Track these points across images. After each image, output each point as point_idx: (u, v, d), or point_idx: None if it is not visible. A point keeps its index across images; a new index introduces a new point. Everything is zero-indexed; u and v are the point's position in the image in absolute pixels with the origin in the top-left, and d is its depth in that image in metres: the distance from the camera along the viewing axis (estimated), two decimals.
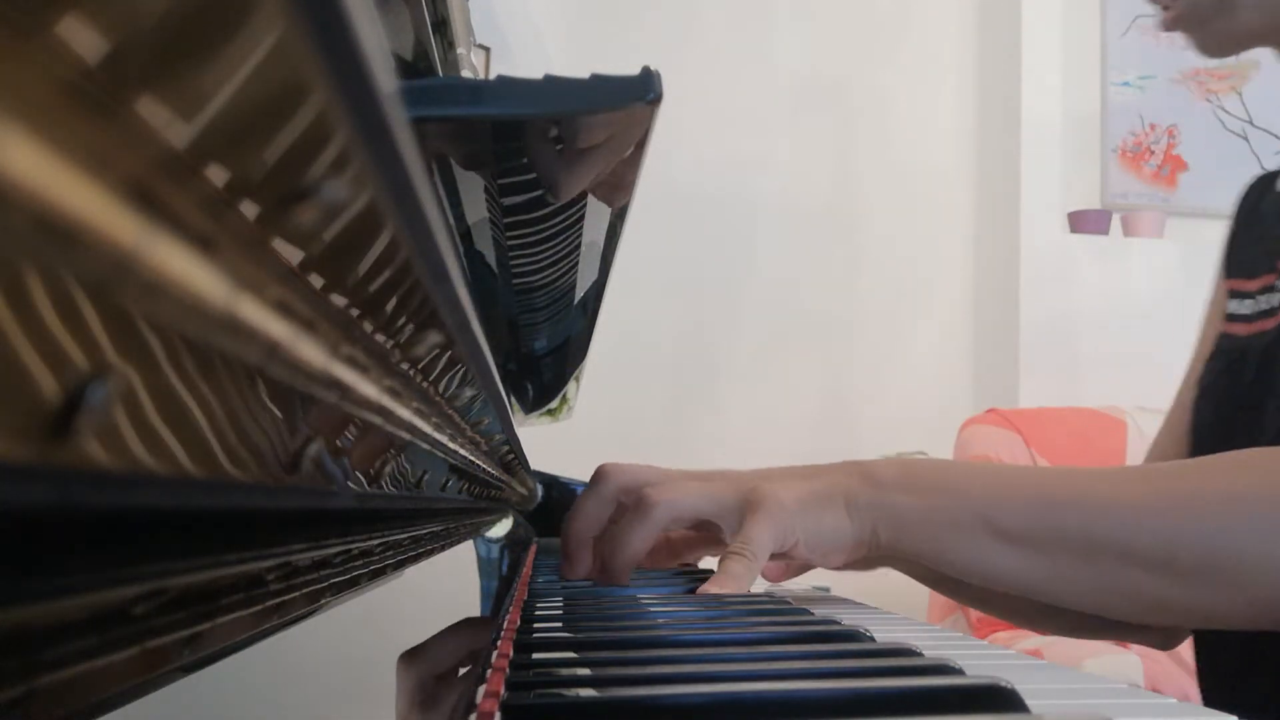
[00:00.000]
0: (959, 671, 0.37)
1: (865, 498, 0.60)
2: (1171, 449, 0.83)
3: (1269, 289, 0.75)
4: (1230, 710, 0.33)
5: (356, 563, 0.33)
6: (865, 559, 0.62)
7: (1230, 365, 0.74)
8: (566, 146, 0.45)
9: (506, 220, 0.56)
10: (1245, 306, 0.76)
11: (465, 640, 0.60)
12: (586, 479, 1.35)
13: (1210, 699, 0.76)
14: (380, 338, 0.23)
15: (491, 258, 0.64)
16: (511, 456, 0.73)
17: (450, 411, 0.38)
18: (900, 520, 0.59)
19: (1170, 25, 0.76)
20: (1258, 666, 0.69)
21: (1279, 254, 0.75)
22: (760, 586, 0.73)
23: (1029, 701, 0.33)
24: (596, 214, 0.59)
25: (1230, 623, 0.57)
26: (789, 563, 0.66)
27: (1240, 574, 0.53)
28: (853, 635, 0.48)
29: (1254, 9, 0.73)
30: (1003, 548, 0.57)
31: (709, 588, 0.60)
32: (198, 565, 0.19)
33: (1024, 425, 2.19)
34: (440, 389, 0.34)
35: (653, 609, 0.59)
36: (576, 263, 0.68)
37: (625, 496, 0.67)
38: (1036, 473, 0.62)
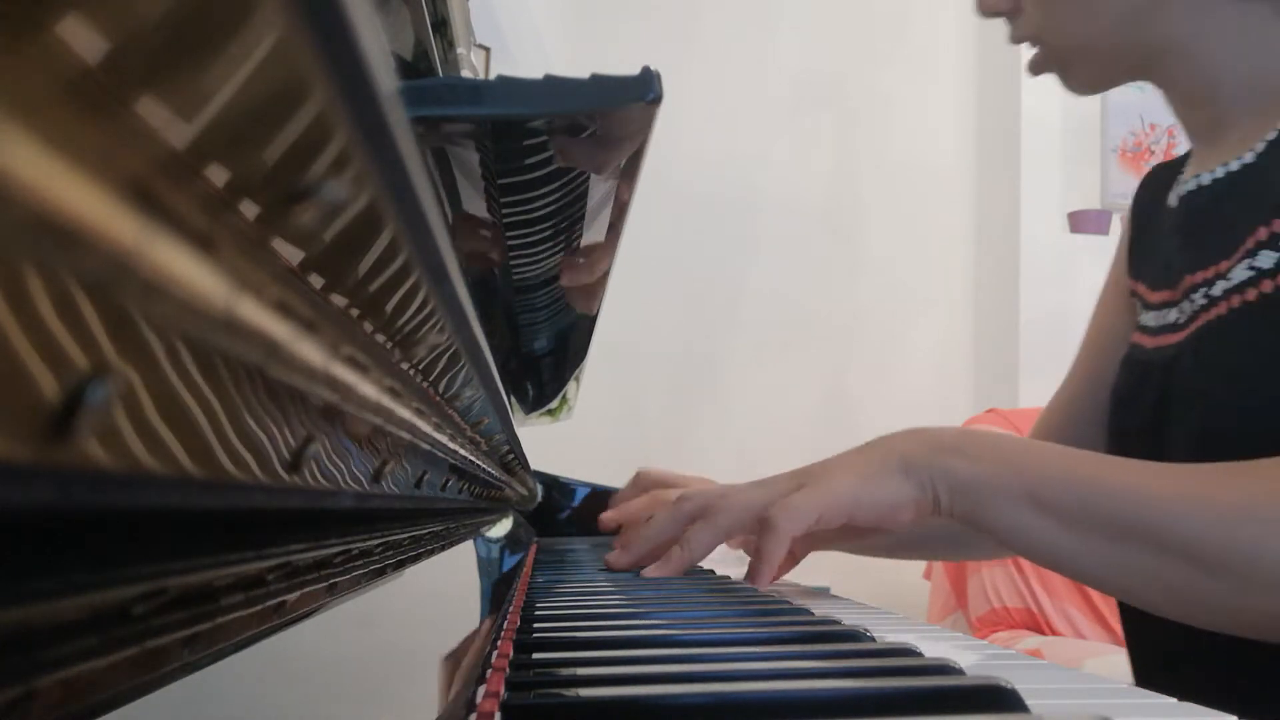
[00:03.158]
0: (959, 671, 0.37)
1: (924, 460, 0.64)
2: (1061, 417, 0.89)
3: (1168, 304, 0.76)
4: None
5: (356, 563, 0.33)
6: (934, 516, 0.65)
7: (1139, 379, 0.76)
8: (568, 146, 0.45)
9: (506, 220, 0.56)
10: (1149, 318, 0.78)
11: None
12: (586, 479, 1.35)
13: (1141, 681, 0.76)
14: (380, 338, 0.23)
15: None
16: (511, 456, 0.73)
17: (450, 411, 0.38)
18: (955, 482, 0.63)
19: (1036, 70, 0.78)
20: (1189, 655, 0.70)
21: (1178, 273, 0.75)
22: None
23: (1029, 701, 0.33)
24: (596, 214, 0.58)
25: (1259, 629, 0.58)
26: (863, 532, 0.70)
27: (1259, 575, 0.55)
28: (853, 635, 0.48)
29: (1105, 54, 0.74)
30: (1041, 520, 0.61)
31: (755, 560, 0.68)
32: (198, 565, 0.19)
33: (1024, 425, 2.18)
34: (440, 389, 0.34)
35: (653, 609, 0.59)
36: None
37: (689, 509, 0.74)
38: (1084, 457, 0.64)
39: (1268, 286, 0.65)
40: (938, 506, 0.64)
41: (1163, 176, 0.83)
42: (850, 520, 0.65)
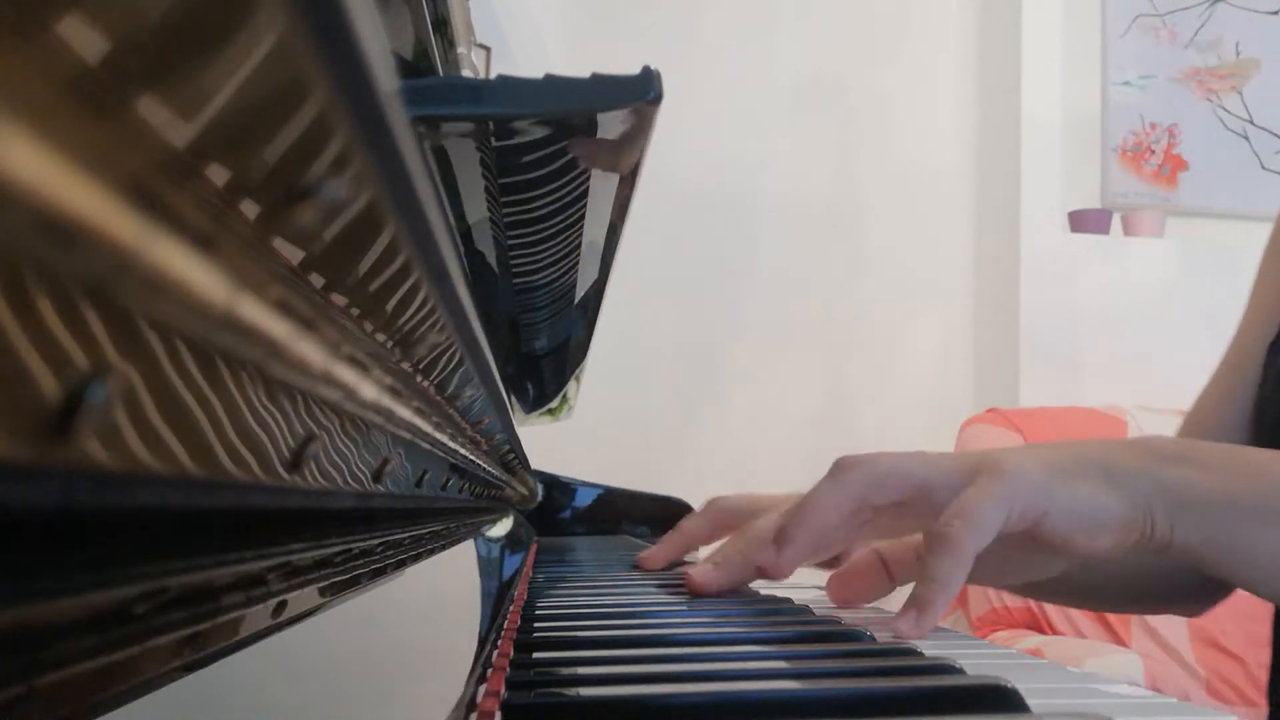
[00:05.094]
0: (960, 671, 0.37)
1: (1136, 468, 0.49)
2: (1214, 418, 0.74)
3: None
4: None
5: (357, 562, 0.33)
6: (1137, 547, 0.50)
7: None
8: (567, 146, 0.45)
9: (507, 220, 0.56)
10: None
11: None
12: (586, 479, 1.35)
13: None
14: (381, 337, 0.23)
15: (492, 258, 0.64)
16: (512, 456, 0.73)
17: (451, 411, 0.38)
18: (1184, 501, 0.48)
19: None
20: None
21: None
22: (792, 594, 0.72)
23: (1029, 701, 0.33)
24: (597, 214, 0.58)
25: None
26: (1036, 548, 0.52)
27: None
28: (854, 635, 0.48)
29: None
30: None
31: (907, 606, 0.50)
32: (198, 565, 0.19)
33: (1024, 425, 2.19)
34: (441, 389, 0.34)
35: (653, 608, 0.59)
36: (577, 262, 0.68)
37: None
38: None
39: None
40: (1150, 534, 0.49)
41: None
42: (1037, 529, 0.49)
